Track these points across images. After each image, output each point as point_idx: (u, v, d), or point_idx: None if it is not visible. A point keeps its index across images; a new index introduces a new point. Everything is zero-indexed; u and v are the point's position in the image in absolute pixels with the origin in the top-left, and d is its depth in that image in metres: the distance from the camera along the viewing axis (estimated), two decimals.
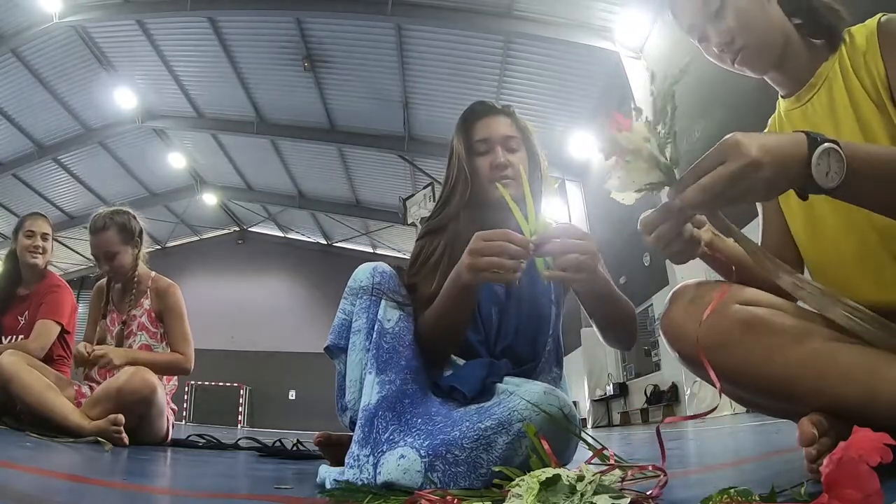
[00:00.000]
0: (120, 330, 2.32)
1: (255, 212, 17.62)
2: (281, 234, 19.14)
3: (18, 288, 2.57)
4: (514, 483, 0.67)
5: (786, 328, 0.82)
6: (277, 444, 2.37)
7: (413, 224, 10.52)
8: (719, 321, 0.84)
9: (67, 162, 13.41)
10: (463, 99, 9.32)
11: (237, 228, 19.28)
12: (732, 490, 0.58)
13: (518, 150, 1.24)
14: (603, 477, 0.69)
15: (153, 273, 2.45)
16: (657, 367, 8.78)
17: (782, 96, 1.07)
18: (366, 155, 13.00)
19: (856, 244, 0.94)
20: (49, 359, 2.38)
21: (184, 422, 14.24)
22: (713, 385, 0.81)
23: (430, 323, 1.08)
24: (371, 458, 0.94)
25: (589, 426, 10.06)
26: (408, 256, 1.24)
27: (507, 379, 1.07)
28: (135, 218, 2.41)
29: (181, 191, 15.96)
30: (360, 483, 0.92)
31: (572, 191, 11.23)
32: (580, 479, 0.64)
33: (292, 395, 17.31)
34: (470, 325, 1.13)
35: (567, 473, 0.65)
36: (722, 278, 0.96)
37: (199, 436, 2.64)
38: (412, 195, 11.35)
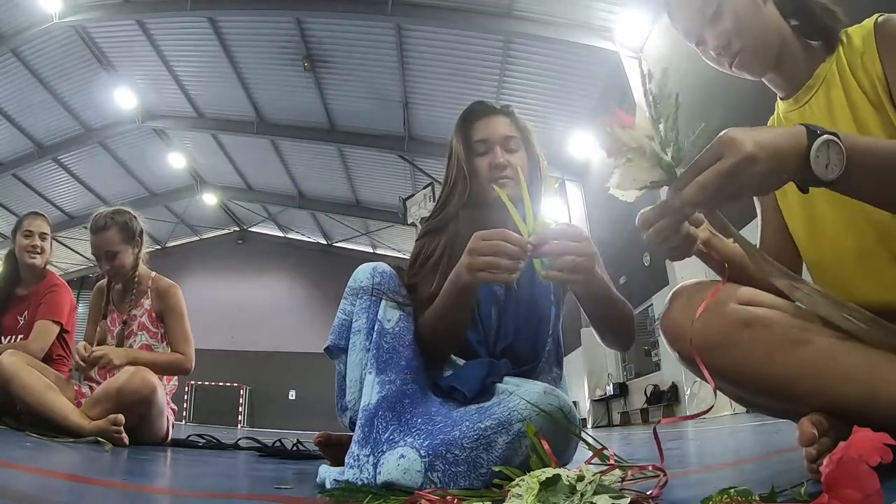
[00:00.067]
0: (121, 330, 2.32)
1: (255, 212, 17.62)
2: (281, 234, 19.14)
3: (18, 288, 2.57)
4: (514, 483, 0.67)
5: (785, 328, 0.82)
6: (277, 444, 2.37)
7: (413, 224, 10.52)
8: (719, 321, 0.84)
9: (67, 162, 13.40)
10: (463, 99, 9.30)
11: (237, 228, 19.28)
12: (732, 490, 0.58)
13: (517, 151, 1.24)
14: (603, 477, 0.69)
15: (153, 273, 2.45)
16: (657, 367, 8.77)
17: (781, 98, 1.07)
18: (366, 155, 13.00)
19: (855, 243, 0.94)
20: (48, 358, 2.38)
21: (184, 422, 14.24)
22: (712, 383, 0.81)
23: (429, 323, 1.08)
24: (371, 457, 0.94)
25: (589, 426, 10.06)
26: (408, 256, 1.24)
27: (507, 379, 1.07)
28: (136, 218, 2.41)
29: (181, 191, 15.96)
30: (360, 483, 0.92)
31: (572, 191, 11.23)
32: (580, 479, 0.64)
33: (292, 395, 17.31)
34: (469, 326, 1.13)
35: (567, 473, 0.65)
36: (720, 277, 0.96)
37: (199, 436, 2.64)
38: (412, 195, 11.35)
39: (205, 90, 11.68)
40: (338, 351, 1.12)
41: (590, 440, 0.90)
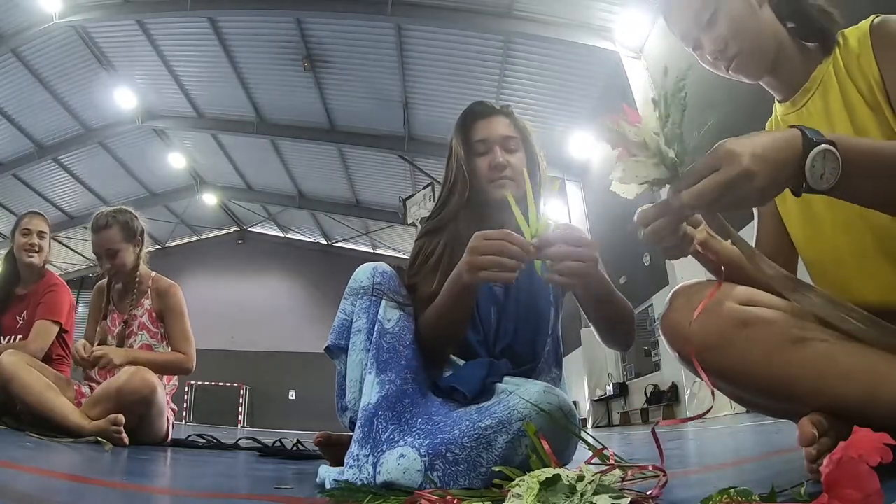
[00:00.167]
0: (121, 330, 2.32)
1: (255, 212, 17.62)
2: (281, 234, 19.14)
3: (17, 287, 2.57)
4: (514, 483, 0.67)
5: (784, 328, 0.82)
6: (277, 444, 2.37)
7: (413, 224, 10.51)
8: (718, 321, 0.84)
9: (67, 162, 13.40)
10: (463, 99, 9.30)
11: (237, 228, 19.28)
12: (732, 490, 0.58)
13: (517, 151, 1.24)
14: (603, 477, 0.69)
15: (154, 273, 2.45)
16: (657, 367, 8.77)
17: (778, 101, 1.07)
18: (366, 155, 13.00)
19: (853, 244, 0.94)
20: (48, 358, 2.38)
21: (184, 422, 14.23)
22: (708, 384, 0.81)
23: (429, 323, 1.08)
24: (371, 457, 0.94)
25: (589, 426, 10.06)
26: (408, 256, 1.24)
27: (506, 379, 1.07)
28: (137, 217, 2.41)
29: (181, 191, 15.96)
30: (359, 483, 0.92)
31: (572, 191, 11.23)
32: (580, 479, 0.64)
33: (292, 395, 17.30)
34: (469, 325, 1.13)
35: (567, 473, 0.65)
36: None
37: (199, 436, 2.64)
38: (412, 195, 11.35)
39: (205, 90, 11.68)
40: (338, 351, 1.12)
41: (590, 440, 0.90)
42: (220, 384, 16.66)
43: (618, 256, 9.01)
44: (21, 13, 9.16)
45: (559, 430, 0.95)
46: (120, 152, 13.61)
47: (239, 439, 2.67)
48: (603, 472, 0.72)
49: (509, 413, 0.95)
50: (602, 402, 10.53)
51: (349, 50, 9.90)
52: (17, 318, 2.50)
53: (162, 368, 2.22)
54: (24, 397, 1.96)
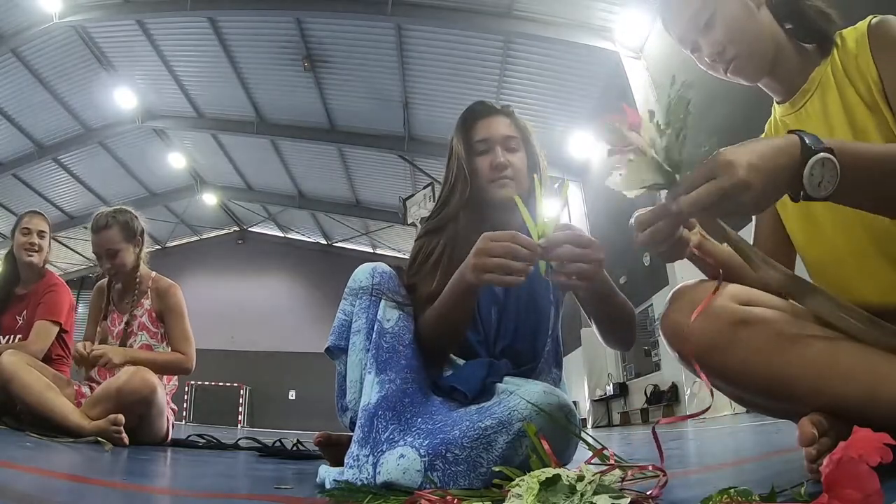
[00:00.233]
0: (123, 330, 2.32)
1: (255, 212, 17.62)
2: (281, 234, 19.14)
3: (17, 287, 2.56)
4: (514, 483, 0.67)
5: (785, 327, 0.82)
6: (277, 444, 2.37)
7: (413, 224, 10.51)
8: (717, 321, 0.84)
9: (67, 162, 13.40)
10: (463, 99, 9.30)
11: (237, 228, 19.27)
12: (732, 490, 0.58)
13: (518, 151, 1.24)
14: (603, 477, 0.69)
15: (154, 273, 2.45)
16: (657, 367, 8.77)
17: (777, 102, 1.07)
18: (366, 155, 12.99)
19: (851, 245, 0.94)
20: (47, 358, 2.37)
21: (184, 422, 14.23)
22: (713, 386, 0.81)
23: (430, 323, 1.08)
24: (371, 457, 0.94)
25: (589, 426, 10.06)
26: (408, 256, 1.24)
27: (507, 379, 1.07)
28: (137, 217, 2.41)
29: (181, 191, 15.95)
30: (359, 483, 0.92)
31: (572, 191, 11.23)
32: (580, 479, 0.64)
33: (292, 395, 17.30)
34: (469, 326, 1.13)
35: (567, 473, 0.65)
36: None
37: (199, 436, 2.64)
38: (412, 195, 11.34)
39: (205, 90, 11.67)
40: (338, 351, 1.12)
41: (590, 440, 0.90)
42: (220, 384, 16.65)
43: (618, 256, 9.00)
44: (21, 13, 9.16)
45: (559, 430, 0.95)
46: (120, 152, 13.61)
47: (239, 439, 2.67)
48: (603, 472, 0.72)
49: (510, 413, 0.95)
50: (602, 402, 10.53)
51: (349, 50, 9.90)
52: (17, 317, 2.50)
53: (162, 368, 2.22)
54: (24, 397, 1.96)
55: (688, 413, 6.80)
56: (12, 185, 13.42)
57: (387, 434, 0.96)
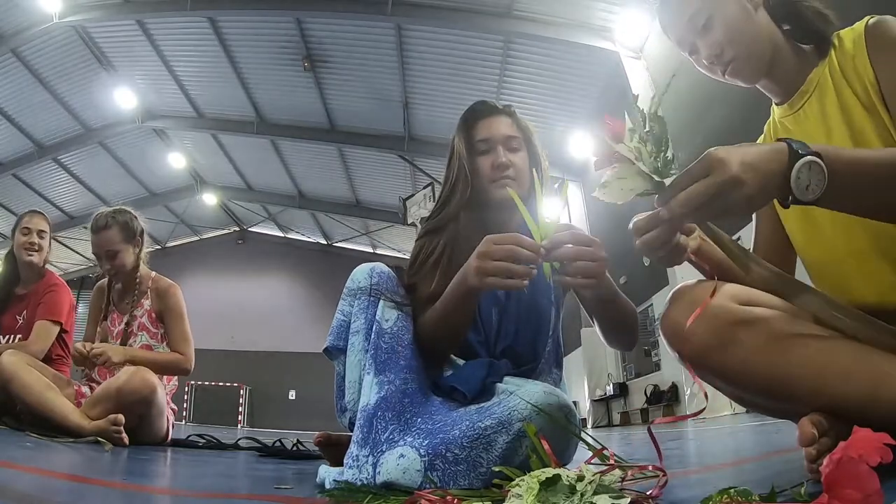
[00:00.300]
0: (122, 330, 2.32)
1: (255, 212, 17.62)
2: (281, 234, 19.14)
3: (17, 287, 2.56)
4: (514, 483, 0.67)
5: (785, 327, 0.82)
6: (277, 444, 2.37)
7: (413, 224, 10.51)
8: (718, 321, 0.84)
9: (67, 162, 13.40)
10: (463, 99, 9.32)
11: (237, 228, 19.28)
12: (732, 490, 0.58)
13: (519, 151, 1.24)
14: (603, 477, 0.69)
15: (153, 273, 2.45)
16: (657, 367, 8.78)
17: (776, 104, 1.07)
18: (366, 155, 13.00)
19: (850, 245, 0.94)
20: (48, 358, 2.37)
21: (184, 422, 14.23)
22: (709, 384, 0.81)
23: (430, 324, 1.07)
24: (370, 457, 0.94)
25: (589, 426, 10.06)
26: (408, 256, 1.24)
27: (507, 379, 1.07)
28: (136, 218, 2.41)
29: (181, 191, 15.96)
30: (359, 483, 0.92)
31: (572, 191, 11.23)
32: (580, 479, 0.64)
33: (292, 395, 17.30)
34: (470, 328, 1.13)
35: (567, 473, 0.65)
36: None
37: (199, 436, 2.64)
38: (412, 195, 11.35)
39: (205, 90, 11.68)
40: (337, 352, 1.11)
41: (590, 440, 0.90)
42: (220, 384, 16.66)
43: (618, 257, 8.94)
44: (21, 13, 9.16)
45: (559, 430, 0.95)
46: (120, 152, 13.62)
47: (239, 439, 2.67)
48: (603, 472, 0.72)
49: (510, 413, 0.95)
50: (602, 402, 10.53)
51: (349, 50, 9.90)
52: (17, 317, 2.50)
53: (161, 368, 2.22)
54: (24, 397, 1.96)
55: (687, 413, 6.81)
56: (12, 185, 13.42)
57: (387, 434, 0.96)
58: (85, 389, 2.18)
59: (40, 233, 2.58)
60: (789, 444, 1.51)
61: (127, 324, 2.33)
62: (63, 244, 15.99)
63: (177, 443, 2.38)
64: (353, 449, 0.96)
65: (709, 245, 0.99)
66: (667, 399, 8.02)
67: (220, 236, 19.46)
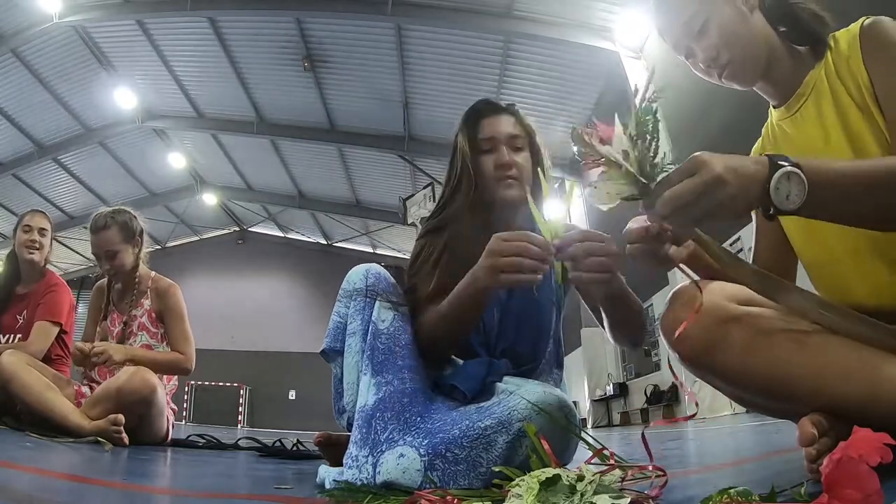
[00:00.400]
0: (122, 330, 2.32)
1: (255, 212, 17.61)
2: (281, 234, 19.14)
3: (17, 287, 2.56)
4: (514, 483, 0.67)
5: (785, 328, 0.82)
6: (277, 444, 2.37)
7: (413, 224, 10.51)
8: (708, 319, 0.84)
9: (67, 162, 13.39)
10: (463, 99, 9.31)
11: (237, 228, 19.27)
12: (732, 490, 0.58)
13: (523, 150, 1.24)
14: (603, 477, 0.69)
15: (153, 273, 2.45)
16: (657, 367, 8.77)
17: (773, 106, 1.07)
18: (366, 155, 12.99)
19: (848, 246, 0.95)
20: (47, 358, 2.37)
21: (184, 422, 14.23)
22: (710, 384, 0.82)
23: (434, 324, 1.07)
24: (370, 457, 0.94)
25: (589, 426, 10.06)
26: (408, 256, 1.24)
27: (507, 379, 1.07)
28: (136, 218, 2.41)
29: (181, 191, 15.95)
30: (359, 483, 0.92)
31: (573, 190, 11.23)
32: (580, 479, 0.64)
33: (292, 395, 17.29)
34: (474, 328, 1.13)
35: (567, 473, 0.65)
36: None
37: (199, 436, 2.64)
38: (412, 195, 11.35)
39: (205, 90, 11.67)
40: (334, 354, 1.11)
41: (590, 440, 0.90)
42: (220, 384, 16.65)
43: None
44: (21, 13, 9.16)
45: (559, 430, 0.95)
46: (120, 152, 13.61)
47: (239, 439, 2.67)
48: (603, 472, 0.72)
49: (509, 413, 0.94)
50: (602, 402, 10.52)
51: (349, 50, 9.90)
52: (18, 317, 2.50)
53: (161, 368, 2.22)
54: (24, 397, 1.96)
55: (687, 413, 6.81)
56: (12, 185, 13.42)
57: (386, 434, 0.96)
58: (85, 389, 2.18)
59: (41, 231, 2.58)
60: (789, 444, 1.51)
61: (126, 323, 2.33)
62: (63, 244, 15.98)
63: (177, 443, 2.38)
64: (352, 449, 0.96)
65: (699, 252, 0.99)
66: (667, 399, 8.02)
67: (220, 236, 19.45)
